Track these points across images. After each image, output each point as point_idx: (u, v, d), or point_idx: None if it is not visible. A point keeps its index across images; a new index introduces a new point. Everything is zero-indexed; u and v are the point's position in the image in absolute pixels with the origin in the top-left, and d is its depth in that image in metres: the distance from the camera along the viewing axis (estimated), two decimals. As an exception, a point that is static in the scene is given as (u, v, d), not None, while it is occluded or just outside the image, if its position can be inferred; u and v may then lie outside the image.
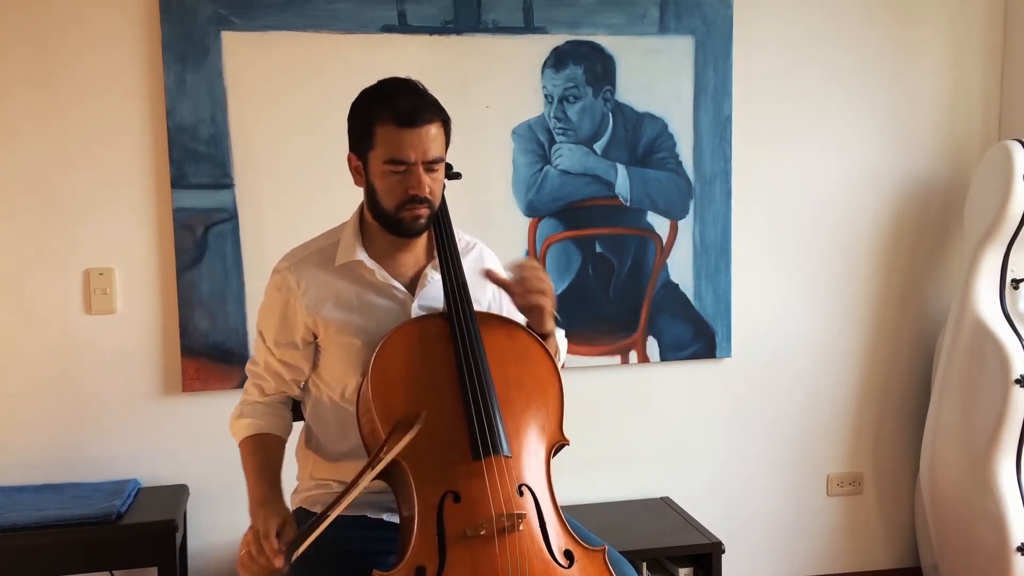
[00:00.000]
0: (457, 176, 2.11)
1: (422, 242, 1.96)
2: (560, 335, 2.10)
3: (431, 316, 1.88)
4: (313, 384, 1.99)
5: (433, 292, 1.93)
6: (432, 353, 1.81)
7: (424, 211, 1.86)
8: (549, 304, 1.89)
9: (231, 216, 2.83)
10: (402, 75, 1.92)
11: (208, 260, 2.82)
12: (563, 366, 2.08)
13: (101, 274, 2.79)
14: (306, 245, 2.00)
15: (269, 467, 1.90)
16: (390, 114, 1.80)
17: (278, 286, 1.96)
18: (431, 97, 1.86)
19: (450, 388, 1.77)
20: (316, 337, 1.94)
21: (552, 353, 1.91)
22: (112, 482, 2.79)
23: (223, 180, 2.81)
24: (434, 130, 1.83)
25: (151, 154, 2.80)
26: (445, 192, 1.99)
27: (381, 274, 1.92)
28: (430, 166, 1.83)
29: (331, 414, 1.95)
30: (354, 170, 1.92)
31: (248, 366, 2.03)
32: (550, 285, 1.89)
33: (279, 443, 1.97)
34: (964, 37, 3.26)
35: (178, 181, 2.79)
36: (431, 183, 1.84)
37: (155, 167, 2.80)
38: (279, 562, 1.64)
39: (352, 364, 1.90)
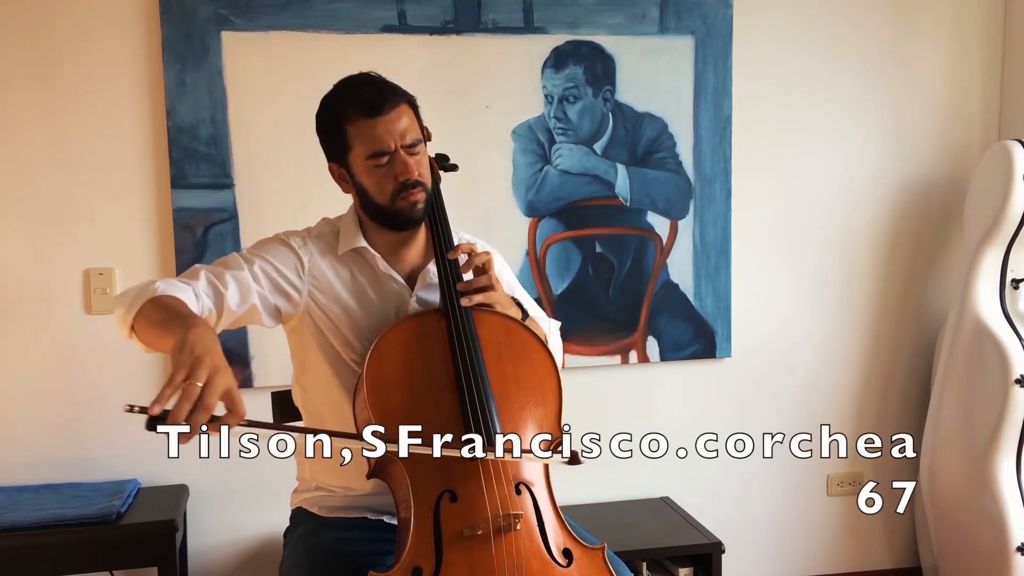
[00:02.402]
0: (454, 168, 2.10)
1: (421, 240, 1.95)
2: (553, 328, 2.10)
3: (427, 313, 1.87)
4: (302, 388, 1.98)
5: (432, 288, 1.92)
6: (428, 350, 1.80)
7: (420, 195, 1.84)
8: (493, 298, 1.87)
9: (231, 216, 2.83)
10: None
11: (208, 260, 2.80)
12: (563, 366, 2.08)
13: (101, 274, 2.79)
14: (308, 229, 1.97)
15: (188, 310, 1.63)
16: (356, 109, 1.79)
17: (285, 244, 1.90)
18: (390, 83, 1.85)
19: (446, 386, 1.76)
20: (281, 315, 1.89)
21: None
22: (112, 482, 2.79)
23: (223, 180, 2.82)
24: (404, 112, 1.81)
25: (151, 154, 2.80)
26: (442, 187, 1.99)
27: (383, 264, 1.91)
28: (410, 149, 1.82)
29: (329, 417, 1.93)
30: (339, 179, 1.91)
31: (197, 267, 1.81)
32: (489, 281, 1.87)
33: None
34: (964, 37, 3.25)
35: (178, 181, 2.79)
36: (417, 164, 1.83)
37: (155, 167, 2.80)
38: (231, 420, 1.38)
39: (341, 362, 1.88)
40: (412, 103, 1.86)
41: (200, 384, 1.36)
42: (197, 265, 1.83)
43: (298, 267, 1.89)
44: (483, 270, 1.87)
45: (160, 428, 1.33)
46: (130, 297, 1.68)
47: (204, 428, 1.35)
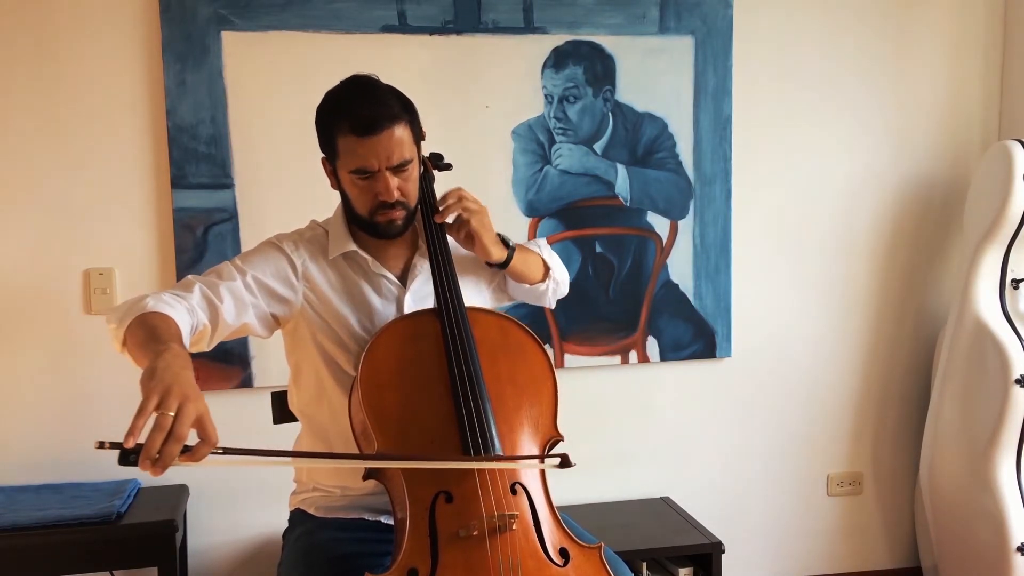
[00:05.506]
0: (448, 167, 2.10)
1: (409, 234, 1.95)
2: (543, 246, 2.12)
3: (421, 313, 1.87)
4: (298, 390, 1.99)
5: (424, 283, 1.93)
6: (422, 351, 1.80)
7: (398, 214, 1.84)
8: (479, 226, 1.89)
9: (231, 216, 2.83)
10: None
11: (208, 260, 2.81)
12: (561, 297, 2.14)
13: (101, 274, 2.80)
14: (299, 232, 1.98)
15: (168, 331, 1.58)
16: (348, 124, 1.77)
17: (278, 248, 1.92)
18: (392, 97, 1.81)
19: (441, 386, 1.77)
20: (279, 322, 1.91)
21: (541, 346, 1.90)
22: (112, 482, 2.79)
23: (223, 180, 2.82)
24: (398, 132, 1.78)
25: (151, 154, 2.80)
26: (436, 185, 1.98)
27: (374, 264, 1.92)
28: (397, 170, 1.81)
29: (324, 419, 1.94)
30: (328, 174, 1.91)
31: (191, 279, 1.81)
32: (477, 209, 1.89)
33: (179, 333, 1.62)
34: (964, 37, 3.25)
35: (178, 181, 2.80)
36: (401, 184, 1.82)
37: (155, 167, 2.80)
38: (198, 455, 1.35)
39: (336, 364, 1.88)
40: (411, 120, 1.83)
41: (172, 413, 1.34)
42: (191, 277, 1.83)
43: (292, 271, 1.89)
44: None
45: (135, 461, 1.30)
46: (121, 312, 1.66)
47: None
